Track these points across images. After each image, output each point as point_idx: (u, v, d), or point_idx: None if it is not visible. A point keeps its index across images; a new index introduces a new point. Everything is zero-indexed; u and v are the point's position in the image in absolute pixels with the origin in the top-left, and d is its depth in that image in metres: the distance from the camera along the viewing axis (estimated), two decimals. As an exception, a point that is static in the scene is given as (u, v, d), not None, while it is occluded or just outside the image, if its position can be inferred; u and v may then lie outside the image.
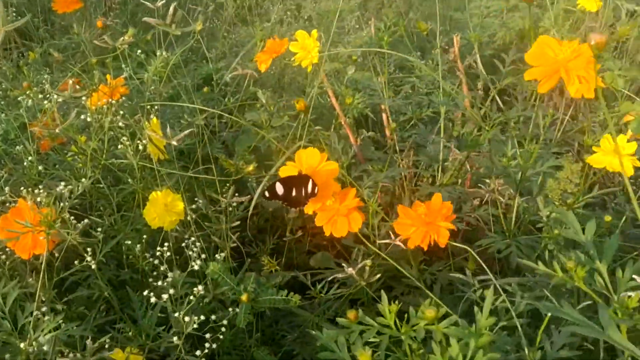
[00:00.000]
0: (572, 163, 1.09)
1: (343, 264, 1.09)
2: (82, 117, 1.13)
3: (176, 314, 0.92)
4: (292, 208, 1.03)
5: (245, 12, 2.73)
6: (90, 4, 2.06)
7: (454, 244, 1.07)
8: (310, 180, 0.96)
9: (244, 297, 1.01)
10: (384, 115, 1.79)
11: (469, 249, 0.96)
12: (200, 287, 0.94)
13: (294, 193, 0.98)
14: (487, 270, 1.01)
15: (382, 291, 0.97)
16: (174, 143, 1.03)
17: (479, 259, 1.17)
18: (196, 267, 0.98)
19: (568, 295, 0.98)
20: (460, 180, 1.44)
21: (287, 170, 1.02)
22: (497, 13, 3.21)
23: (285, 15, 2.18)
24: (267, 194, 1.01)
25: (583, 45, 0.87)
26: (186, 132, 1.05)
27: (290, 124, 1.51)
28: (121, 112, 1.15)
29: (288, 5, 2.29)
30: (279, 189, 1.00)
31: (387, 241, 1.14)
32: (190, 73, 1.87)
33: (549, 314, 0.76)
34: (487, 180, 1.46)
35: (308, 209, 0.99)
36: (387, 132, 1.82)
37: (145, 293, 0.97)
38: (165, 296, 0.92)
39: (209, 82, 1.93)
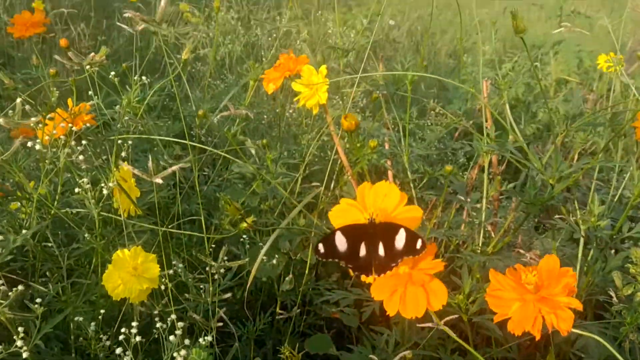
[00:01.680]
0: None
1: (371, 356, 0.81)
2: (29, 145, 0.84)
3: None
4: (361, 274, 0.68)
5: (226, 68, 2.54)
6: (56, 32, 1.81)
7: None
8: (403, 230, 0.66)
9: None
10: (389, 173, 1.56)
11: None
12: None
13: (363, 250, 0.68)
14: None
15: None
16: (158, 181, 0.76)
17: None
18: (179, 360, 0.67)
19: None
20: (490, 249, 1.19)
21: (343, 214, 0.71)
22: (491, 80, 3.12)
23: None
24: (321, 248, 0.69)
25: None
26: (174, 168, 0.79)
27: (290, 173, 1.26)
28: (83, 143, 0.87)
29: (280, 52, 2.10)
30: (340, 242, 0.68)
31: (428, 325, 0.87)
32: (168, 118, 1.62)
33: None
34: (521, 251, 1.23)
35: (379, 290, 0.67)
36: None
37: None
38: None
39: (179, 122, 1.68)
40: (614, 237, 0.83)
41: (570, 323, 0.57)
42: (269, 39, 2.53)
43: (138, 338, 0.71)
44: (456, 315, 0.84)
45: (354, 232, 0.68)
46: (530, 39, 3.89)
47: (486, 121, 1.28)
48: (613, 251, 1.06)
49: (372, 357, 0.80)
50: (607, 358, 0.91)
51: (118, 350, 0.72)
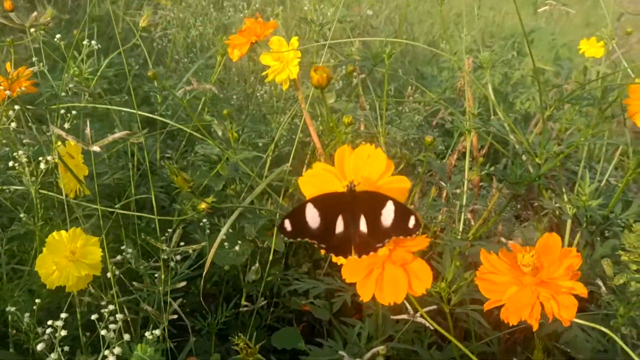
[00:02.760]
0: (656, 212, 0.80)
1: (342, 353, 0.72)
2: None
3: None
4: (337, 255, 0.56)
5: (197, 51, 2.43)
6: None
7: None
8: (391, 203, 0.54)
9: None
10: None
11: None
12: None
13: (340, 226, 0.55)
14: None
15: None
16: (95, 149, 0.66)
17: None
18: (111, 358, 0.57)
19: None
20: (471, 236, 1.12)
21: (317, 181, 0.58)
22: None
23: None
24: (287, 225, 0.56)
25: None
26: (115, 135, 0.68)
27: (259, 154, 1.16)
28: (15, 108, 0.76)
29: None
30: (312, 216, 0.55)
31: (404, 317, 0.78)
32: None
33: None
34: (502, 239, 1.15)
35: (351, 272, 0.55)
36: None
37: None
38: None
39: (151, 113, 1.57)
40: (606, 219, 0.76)
41: (573, 311, 0.49)
42: (243, 18, 2.42)
43: (64, 332, 0.61)
44: (434, 306, 0.76)
45: (328, 204, 0.56)
46: (508, 30, 3.86)
47: (468, 100, 1.20)
48: (598, 238, 0.99)
49: (342, 354, 0.71)
50: (597, 354, 0.84)
51: (40, 346, 0.61)
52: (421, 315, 0.77)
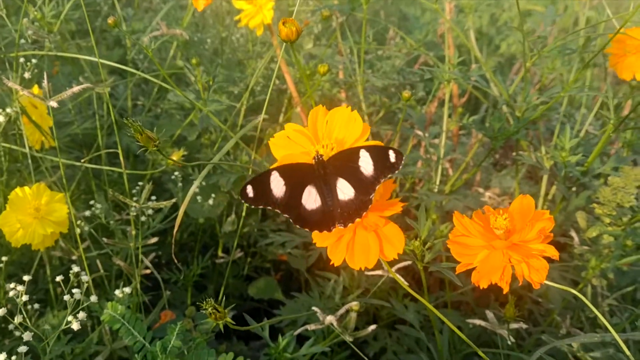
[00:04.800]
0: (632, 167, 0.79)
1: (314, 308, 0.72)
2: None
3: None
4: (317, 230, 0.53)
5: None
6: None
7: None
8: (364, 151, 0.52)
9: (160, 365, 0.61)
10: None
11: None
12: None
13: (313, 200, 0.53)
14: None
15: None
16: (53, 104, 0.62)
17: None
18: (75, 326, 0.56)
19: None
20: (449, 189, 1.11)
21: (289, 145, 0.56)
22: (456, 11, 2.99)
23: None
24: (249, 191, 0.53)
25: None
26: (75, 88, 0.64)
27: (232, 104, 1.12)
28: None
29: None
30: (277, 185, 0.53)
31: (378, 273, 0.78)
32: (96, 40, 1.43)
33: None
34: (480, 190, 1.15)
35: (322, 236, 0.53)
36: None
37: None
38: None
39: (122, 59, 1.50)
40: (584, 174, 0.75)
41: (544, 274, 0.48)
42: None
43: (25, 297, 0.59)
44: (408, 262, 0.76)
45: (296, 174, 0.54)
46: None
47: (448, 48, 1.17)
48: (574, 189, 0.99)
49: (315, 309, 0.71)
50: (568, 304, 0.85)
51: (1, 312, 0.59)
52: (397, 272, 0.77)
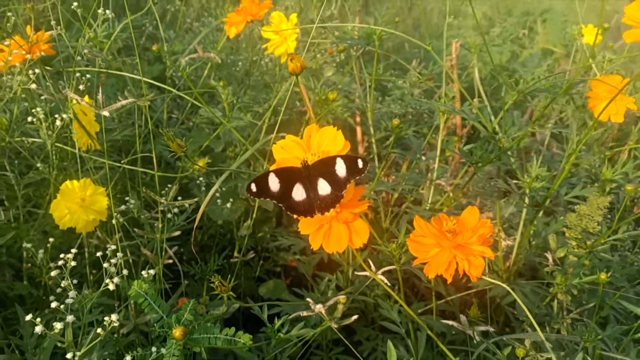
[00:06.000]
0: (598, 196, 0.89)
1: (308, 299, 0.84)
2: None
3: (69, 356, 0.64)
4: (295, 215, 0.69)
5: (211, 11, 2.50)
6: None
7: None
8: (339, 159, 0.66)
9: (177, 333, 0.74)
10: (357, 129, 1.57)
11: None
12: (113, 317, 0.66)
13: (301, 194, 0.68)
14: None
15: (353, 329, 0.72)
16: (105, 114, 0.77)
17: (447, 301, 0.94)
18: (111, 287, 0.70)
19: None
20: (445, 208, 1.22)
21: (285, 151, 0.72)
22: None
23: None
24: (253, 187, 0.69)
25: None
26: (123, 102, 0.79)
27: (254, 122, 1.26)
28: (37, 72, 0.87)
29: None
30: (273, 182, 0.68)
31: (366, 273, 0.90)
32: (141, 59, 1.59)
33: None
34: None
35: (306, 225, 0.68)
36: (360, 149, 1.60)
37: (28, 318, 0.68)
38: (57, 325, 0.64)
39: (161, 74, 1.66)
40: (549, 199, 0.86)
41: (480, 270, 0.60)
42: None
43: (73, 263, 0.73)
44: (393, 267, 0.87)
45: (286, 175, 0.69)
46: (523, 7, 3.85)
47: (452, 82, 1.29)
48: (541, 213, 1.09)
49: (309, 300, 0.83)
50: (536, 316, 0.95)
51: (54, 272, 0.73)
52: (382, 273, 0.89)
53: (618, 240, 0.89)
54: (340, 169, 0.66)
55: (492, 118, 1.08)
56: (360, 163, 0.66)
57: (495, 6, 3.86)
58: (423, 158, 1.20)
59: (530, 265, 1.09)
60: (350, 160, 0.66)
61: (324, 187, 0.67)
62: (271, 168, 0.70)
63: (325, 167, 0.67)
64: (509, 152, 1.29)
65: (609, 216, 1.10)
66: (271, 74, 1.76)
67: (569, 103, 1.48)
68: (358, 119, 1.53)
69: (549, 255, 0.99)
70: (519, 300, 0.65)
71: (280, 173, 0.69)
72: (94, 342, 0.65)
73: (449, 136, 1.54)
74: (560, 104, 1.46)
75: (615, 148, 1.46)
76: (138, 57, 0.98)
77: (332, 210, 0.65)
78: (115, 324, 0.64)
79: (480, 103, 1.18)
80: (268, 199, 0.68)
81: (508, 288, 0.66)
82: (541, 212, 1.08)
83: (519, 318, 1.02)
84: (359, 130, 1.56)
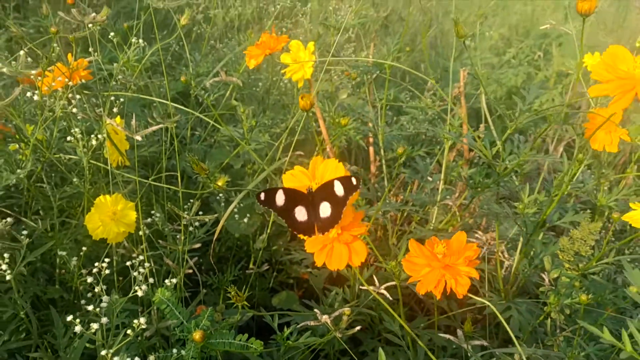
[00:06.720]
0: (590, 222, 0.95)
1: (316, 310, 0.91)
2: (29, 95, 0.94)
3: (103, 352, 0.72)
4: (295, 232, 0.78)
5: (235, 30, 2.61)
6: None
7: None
8: (337, 181, 0.75)
9: (196, 336, 0.82)
10: (370, 149, 1.65)
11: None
12: (142, 320, 0.74)
13: (303, 215, 0.77)
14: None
15: (359, 340, 0.79)
16: (138, 138, 0.86)
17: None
18: (140, 293, 0.78)
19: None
20: (451, 228, 1.29)
21: (294, 180, 0.81)
22: (490, 67, 3.17)
23: (279, 32, 2.05)
24: (262, 196, 0.79)
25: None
26: (154, 127, 0.88)
27: (271, 142, 1.35)
28: (77, 97, 0.96)
29: (285, 23, 2.17)
30: (279, 198, 0.78)
31: (372, 288, 0.97)
32: (167, 78, 1.70)
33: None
34: (479, 232, 1.32)
35: (311, 245, 0.77)
36: (372, 168, 1.67)
37: (69, 319, 0.76)
38: (94, 326, 0.72)
39: (186, 89, 1.77)
40: (542, 224, 0.92)
41: (465, 288, 0.67)
42: (277, 6, 2.59)
43: (108, 271, 0.82)
44: (393, 283, 0.94)
45: (292, 194, 0.79)
46: (540, 29, 3.90)
47: (460, 108, 1.36)
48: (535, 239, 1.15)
49: (316, 310, 0.91)
50: (528, 331, 1.01)
51: (89, 279, 0.82)
52: (386, 289, 0.96)
53: (609, 263, 0.95)
54: (339, 188, 0.76)
55: (499, 142, 1.15)
56: (354, 180, 0.76)
57: (514, 27, 3.93)
58: (430, 179, 1.27)
59: (532, 285, 1.15)
60: (346, 180, 0.76)
61: (325, 210, 0.76)
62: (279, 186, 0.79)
63: (326, 190, 0.77)
64: (514, 176, 1.36)
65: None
66: (290, 94, 1.85)
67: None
68: (371, 140, 1.60)
69: (545, 276, 1.05)
70: (500, 317, 0.71)
71: (288, 192, 0.79)
72: (124, 342, 0.73)
73: (459, 156, 1.61)
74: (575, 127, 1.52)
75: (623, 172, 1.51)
76: (166, 79, 1.07)
77: (332, 230, 0.74)
78: (143, 326, 0.72)
79: (487, 129, 1.25)
80: (272, 209, 0.78)
81: (489, 304, 0.72)
82: (541, 235, 1.15)
83: (518, 336, 1.08)
84: (371, 150, 1.64)
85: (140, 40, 1.17)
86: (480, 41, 3.39)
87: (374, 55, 1.53)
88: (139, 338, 0.95)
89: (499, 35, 3.40)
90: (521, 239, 1.11)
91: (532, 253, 1.04)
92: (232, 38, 2.22)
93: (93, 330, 0.71)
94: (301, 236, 0.77)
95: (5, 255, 0.82)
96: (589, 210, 1.07)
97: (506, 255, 1.28)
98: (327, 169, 0.79)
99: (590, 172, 1.44)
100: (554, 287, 1.00)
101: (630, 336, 0.63)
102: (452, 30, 3.79)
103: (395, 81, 2.11)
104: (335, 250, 0.74)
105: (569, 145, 2.23)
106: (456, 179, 1.19)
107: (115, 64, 1.17)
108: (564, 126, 1.46)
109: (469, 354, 0.87)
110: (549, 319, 1.01)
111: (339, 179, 0.76)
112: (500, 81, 3.06)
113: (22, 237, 0.87)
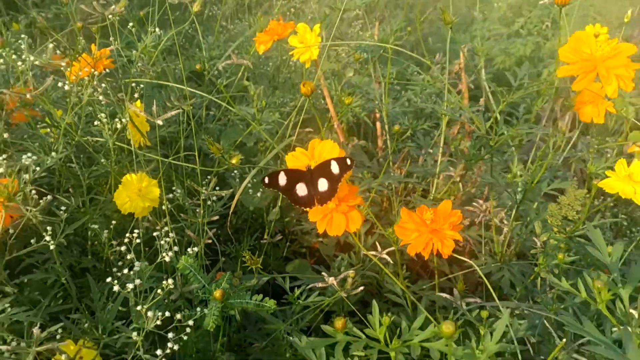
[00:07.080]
0: (576, 189, 1.03)
1: (323, 273, 1.01)
2: (59, 85, 1.03)
3: (138, 307, 0.83)
4: (297, 206, 0.89)
5: (245, 9, 2.67)
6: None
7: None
8: (333, 161, 0.84)
9: (217, 294, 0.92)
10: (377, 124, 1.73)
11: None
12: (169, 281, 0.85)
13: (303, 190, 0.87)
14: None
15: (368, 303, 0.89)
16: (159, 122, 0.95)
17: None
18: (167, 259, 0.89)
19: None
20: (452, 197, 1.37)
21: (295, 159, 0.91)
22: (499, 37, 3.20)
23: (288, 12, 2.11)
24: (266, 180, 0.89)
25: (622, 44, 0.82)
26: (173, 112, 0.97)
27: (281, 121, 1.43)
28: (102, 85, 1.06)
29: (293, 3, 2.23)
30: (282, 179, 0.88)
31: (373, 253, 1.06)
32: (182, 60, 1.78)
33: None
34: (480, 201, 1.40)
35: (313, 215, 0.87)
36: (379, 142, 1.75)
37: (107, 280, 0.87)
38: (130, 286, 0.83)
39: (200, 71, 1.85)
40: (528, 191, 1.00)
41: (450, 250, 0.77)
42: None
43: (138, 240, 0.92)
44: (392, 248, 1.04)
45: (293, 174, 0.89)
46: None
47: (461, 84, 1.43)
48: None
49: (323, 274, 1.00)
50: (521, 288, 1.10)
51: (123, 248, 0.92)
52: (388, 254, 1.05)
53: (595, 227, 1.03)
54: (335, 167, 0.86)
55: (498, 116, 1.22)
56: (348, 161, 0.85)
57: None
58: (430, 151, 1.35)
59: (526, 249, 1.24)
60: (341, 160, 0.86)
61: (322, 185, 0.86)
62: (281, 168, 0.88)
63: (324, 168, 0.87)
64: (512, 147, 1.43)
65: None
66: (299, 72, 1.92)
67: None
68: (378, 116, 1.68)
69: (536, 240, 1.13)
70: (484, 277, 0.81)
71: (288, 173, 0.89)
72: (155, 300, 0.84)
73: (463, 129, 1.68)
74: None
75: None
76: (182, 63, 1.16)
77: (330, 202, 0.84)
78: (171, 286, 0.82)
79: (488, 104, 1.32)
80: (277, 190, 0.88)
81: (475, 266, 0.82)
82: (536, 204, 1.23)
83: (511, 293, 1.17)
84: (378, 125, 1.71)
85: (157, 29, 1.26)
86: (489, 12, 3.41)
87: (382, 31, 1.60)
88: (166, 300, 1.06)
89: (507, 5, 3.41)
90: (516, 206, 1.19)
91: (528, 219, 1.13)
92: (242, 19, 2.29)
93: (129, 290, 0.82)
94: (299, 207, 0.87)
95: (48, 228, 0.93)
96: (575, 178, 1.14)
97: (505, 222, 1.36)
98: (324, 149, 0.89)
99: (587, 142, 1.51)
100: (543, 250, 1.08)
101: (585, 285, 0.72)
102: (462, 3, 3.80)
103: (405, 54, 2.17)
104: (335, 219, 0.84)
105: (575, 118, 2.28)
106: (456, 151, 1.27)
107: (134, 51, 1.26)
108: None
109: (459, 310, 0.97)
110: (539, 278, 1.09)
111: (335, 159, 0.86)
112: (509, 51, 3.10)
113: (61, 212, 0.98)
